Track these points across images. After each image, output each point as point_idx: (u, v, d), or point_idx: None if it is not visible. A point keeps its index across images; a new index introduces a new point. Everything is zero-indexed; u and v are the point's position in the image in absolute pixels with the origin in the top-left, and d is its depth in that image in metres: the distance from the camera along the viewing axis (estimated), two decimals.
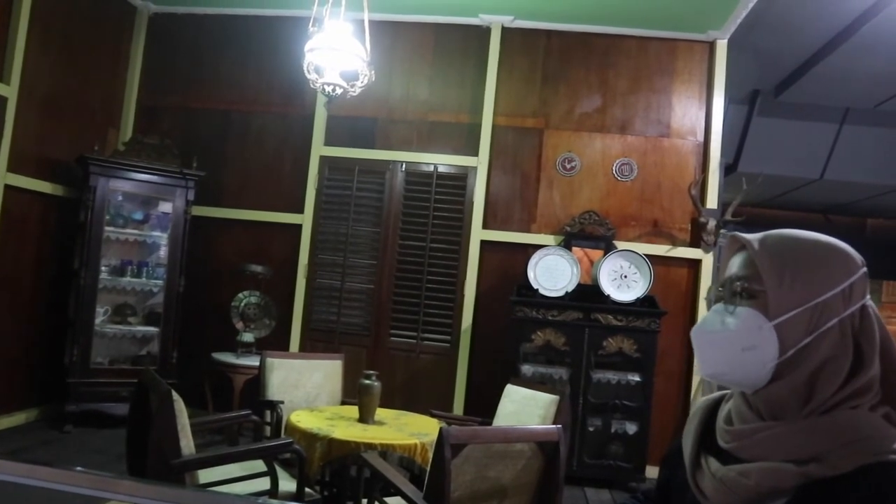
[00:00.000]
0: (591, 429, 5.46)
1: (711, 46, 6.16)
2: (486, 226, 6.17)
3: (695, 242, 6.01)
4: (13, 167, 5.32)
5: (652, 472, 5.70)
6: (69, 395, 5.58)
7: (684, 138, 6.15)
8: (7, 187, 5.28)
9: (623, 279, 5.69)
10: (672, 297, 5.94)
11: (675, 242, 6.04)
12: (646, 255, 5.71)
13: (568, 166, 6.19)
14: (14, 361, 5.59)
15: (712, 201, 6.01)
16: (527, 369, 5.50)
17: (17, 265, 5.54)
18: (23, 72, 5.34)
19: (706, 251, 5.95)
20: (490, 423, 4.02)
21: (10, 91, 5.25)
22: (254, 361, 5.71)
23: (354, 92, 3.85)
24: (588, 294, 5.67)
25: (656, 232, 6.08)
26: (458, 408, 6.01)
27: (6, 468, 1.82)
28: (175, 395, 2.94)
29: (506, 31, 6.29)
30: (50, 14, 5.59)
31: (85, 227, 5.66)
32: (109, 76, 6.49)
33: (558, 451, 2.87)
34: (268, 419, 4.17)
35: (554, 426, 2.97)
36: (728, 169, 7.88)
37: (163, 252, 6.17)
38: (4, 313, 5.43)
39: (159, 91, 6.74)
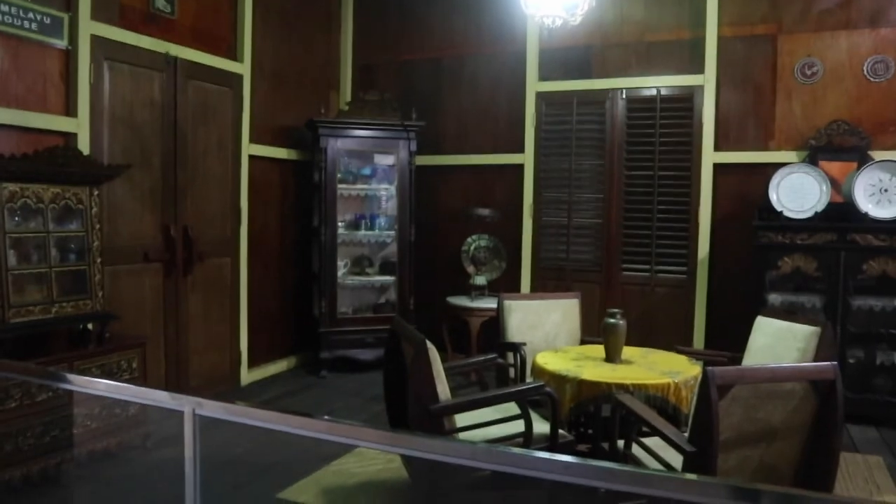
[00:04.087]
0: (851, 361, 4.99)
1: None
2: (717, 148, 5.75)
3: None
4: (254, 138, 5.77)
5: None
6: (321, 343, 6.05)
7: None
8: (251, 157, 5.75)
9: (883, 193, 5.06)
10: None
11: None
12: None
13: (808, 73, 5.57)
14: (273, 314, 6.17)
15: None
16: (774, 298, 5.12)
17: (266, 227, 6.05)
18: (252, 50, 5.74)
19: None
20: (740, 359, 3.78)
21: (245, 68, 5.69)
22: (488, 304, 5.81)
23: (575, 21, 3.66)
24: (841, 213, 5.13)
25: None
26: (699, 342, 5.76)
27: (268, 417, 1.96)
28: (429, 344, 3.02)
29: None
30: None
31: (320, 186, 6.00)
32: (325, 41, 6.79)
33: (835, 390, 2.61)
34: (510, 361, 4.19)
35: (829, 363, 2.69)
36: None
37: (391, 204, 6.41)
38: (261, 271, 5.97)
39: (372, 49, 6.93)
